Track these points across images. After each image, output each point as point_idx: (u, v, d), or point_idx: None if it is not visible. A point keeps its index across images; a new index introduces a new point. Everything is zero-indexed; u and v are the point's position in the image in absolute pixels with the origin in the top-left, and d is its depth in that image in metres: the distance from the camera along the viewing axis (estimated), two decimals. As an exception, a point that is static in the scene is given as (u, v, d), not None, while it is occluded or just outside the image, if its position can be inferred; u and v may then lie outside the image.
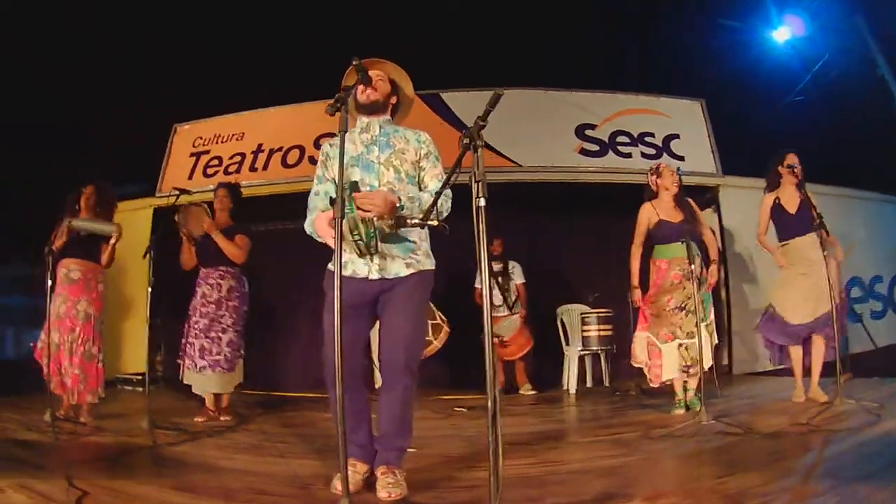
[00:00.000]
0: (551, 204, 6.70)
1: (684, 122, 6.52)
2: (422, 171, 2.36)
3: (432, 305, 5.68)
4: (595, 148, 6.42)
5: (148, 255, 3.77)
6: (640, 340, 4.10)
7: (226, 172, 6.71)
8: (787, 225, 4.14)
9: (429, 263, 2.32)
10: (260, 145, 6.84)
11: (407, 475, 2.20)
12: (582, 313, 5.82)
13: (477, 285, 5.99)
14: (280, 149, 6.85)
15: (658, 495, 2.07)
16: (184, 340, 4.12)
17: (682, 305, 3.91)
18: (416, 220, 2.09)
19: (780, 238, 4.22)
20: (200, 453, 3.04)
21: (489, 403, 1.57)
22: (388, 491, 2.07)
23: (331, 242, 2.01)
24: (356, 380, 2.28)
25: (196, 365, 3.98)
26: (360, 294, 2.20)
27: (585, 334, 5.73)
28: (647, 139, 6.43)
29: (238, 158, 6.84)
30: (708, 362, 3.88)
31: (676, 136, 6.43)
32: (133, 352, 6.26)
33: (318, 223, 2.18)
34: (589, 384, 5.94)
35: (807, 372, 4.07)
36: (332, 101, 1.95)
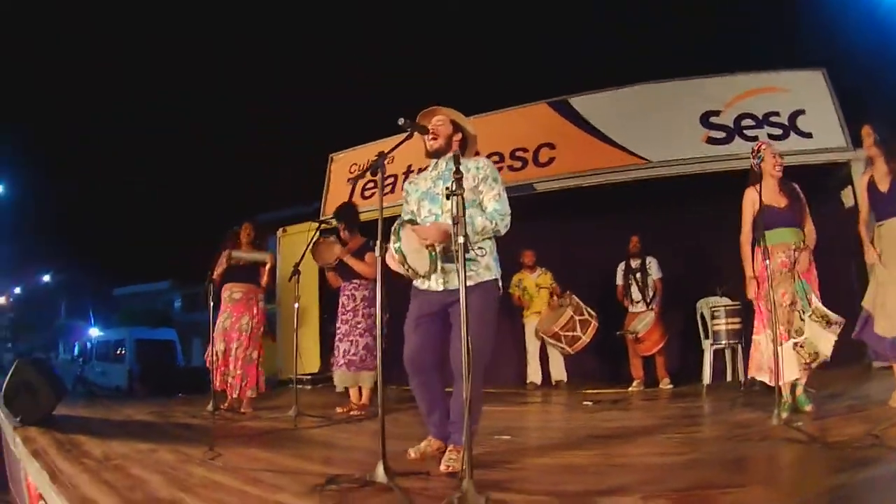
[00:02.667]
0: (684, 196, 6.82)
1: (808, 95, 6.31)
2: (480, 194, 2.86)
3: (580, 302, 6.38)
4: (721, 135, 6.42)
5: (294, 278, 4.84)
6: (760, 344, 3.83)
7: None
8: (879, 204, 3.78)
9: (488, 275, 2.81)
10: (409, 166, 7.79)
11: (477, 457, 2.63)
12: (711, 306, 5.95)
13: (619, 282, 6.49)
14: (427, 167, 7.80)
15: (654, 495, 2.20)
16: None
17: (794, 300, 3.75)
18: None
19: (876, 219, 3.84)
20: (329, 434, 3.98)
21: (464, 392, 2.11)
22: (448, 464, 2.66)
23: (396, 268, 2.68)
24: (428, 373, 2.85)
25: (337, 363, 4.99)
26: (430, 304, 2.82)
27: (715, 328, 5.84)
28: (773, 119, 6.30)
29: (391, 180, 7.79)
30: (825, 353, 3.67)
31: (802, 112, 6.25)
32: (304, 356, 7.63)
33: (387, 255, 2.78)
34: (729, 378, 6.02)
35: None
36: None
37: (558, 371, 6.89)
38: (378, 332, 2.55)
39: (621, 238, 6.56)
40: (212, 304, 5.16)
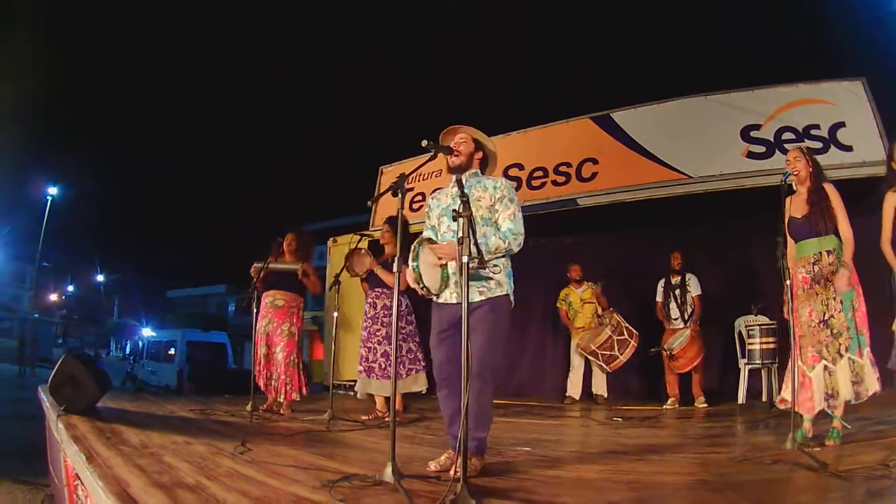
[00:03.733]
0: (725, 212, 6.83)
1: (848, 106, 6.22)
2: (496, 213, 3.02)
3: (620, 320, 6.53)
4: (761, 150, 6.39)
5: (335, 287, 5.10)
6: (791, 371, 3.54)
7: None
8: None
9: (500, 290, 2.97)
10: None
11: (492, 465, 2.98)
12: (746, 325, 5.94)
13: (658, 299, 6.56)
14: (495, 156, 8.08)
15: None
16: None
17: (826, 318, 3.53)
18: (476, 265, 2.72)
19: None
20: (358, 437, 4.21)
21: (462, 402, 2.27)
22: (458, 469, 2.87)
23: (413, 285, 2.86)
24: (452, 385, 2.98)
25: (359, 370, 5.20)
26: (449, 317, 2.97)
27: (750, 347, 5.84)
28: (813, 132, 6.23)
29: (495, 165, 8.06)
30: (870, 388, 3.43)
31: (842, 125, 6.17)
32: (347, 363, 7.94)
33: (406, 272, 2.95)
34: (765, 398, 5.94)
35: None
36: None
37: (599, 386, 6.98)
38: (394, 341, 2.74)
39: (664, 253, 6.64)
40: (255, 310, 5.49)
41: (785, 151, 6.13)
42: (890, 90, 6.41)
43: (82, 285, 45.42)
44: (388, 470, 2.44)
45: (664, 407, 6.16)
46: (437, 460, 2.98)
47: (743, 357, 6.01)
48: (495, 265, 2.95)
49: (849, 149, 6.05)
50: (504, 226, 2.97)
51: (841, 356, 3.47)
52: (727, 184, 6.47)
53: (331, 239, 9.49)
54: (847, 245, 3.55)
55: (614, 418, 5.40)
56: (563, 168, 7.47)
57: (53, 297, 38.37)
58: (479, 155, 3.21)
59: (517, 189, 7.59)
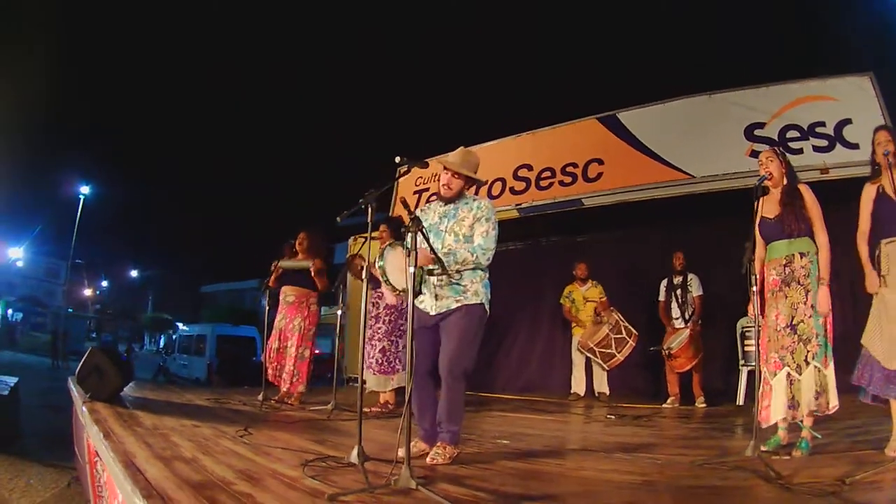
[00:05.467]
0: (728, 211, 7.04)
1: (854, 103, 6.28)
2: (473, 230, 3.44)
3: (620, 318, 6.86)
4: (765, 148, 6.53)
5: (339, 286, 5.58)
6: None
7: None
8: (891, 218, 3.40)
9: (475, 299, 3.39)
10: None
11: (465, 455, 3.39)
12: (743, 327, 6.19)
13: (660, 298, 6.86)
14: (486, 182, 8.45)
15: None
16: None
17: (793, 323, 3.53)
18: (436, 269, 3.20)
19: (882, 234, 3.44)
20: (354, 426, 4.60)
21: (406, 392, 2.71)
22: (433, 457, 3.26)
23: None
24: (423, 378, 3.41)
25: (367, 366, 5.67)
26: (424, 321, 3.41)
27: (746, 349, 6.10)
28: (818, 129, 6.38)
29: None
30: (831, 401, 3.44)
31: (848, 122, 6.23)
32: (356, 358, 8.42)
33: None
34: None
35: None
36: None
37: (601, 383, 7.31)
38: (362, 334, 3.20)
39: (668, 253, 6.90)
40: (268, 308, 6.08)
41: (790, 150, 6.28)
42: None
43: (116, 281, 47.51)
44: (355, 453, 2.87)
45: (664, 406, 6.44)
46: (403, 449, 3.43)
47: (742, 358, 6.26)
48: (471, 275, 3.39)
49: (855, 146, 6.06)
50: (476, 241, 3.40)
51: (807, 364, 3.46)
52: (730, 183, 6.62)
53: (352, 237, 9.96)
54: (822, 251, 3.57)
55: (607, 416, 5.73)
56: (569, 168, 7.79)
57: (87, 292, 40.17)
58: (469, 187, 3.65)
59: (525, 190, 8.00)
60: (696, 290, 6.65)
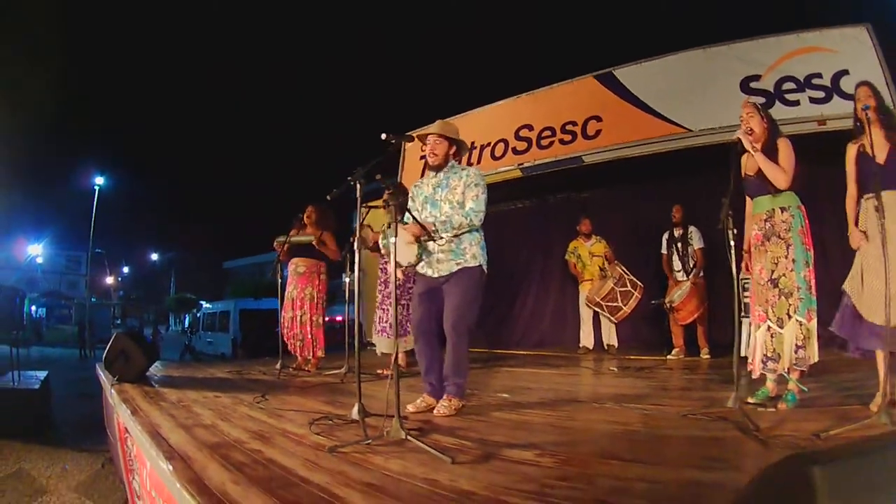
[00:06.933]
0: (726, 164, 7.22)
1: (852, 54, 6.34)
2: (464, 196, 3.76)
3: (624, 272, 7.18)
4: (761, 101, 6.36)
5: (347, 255, 5.94)
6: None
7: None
8: (872, 176, 3.34)
9: (473, 262, 3.74)
10: (472, 143, 8.67)
11: (467, 407, 3.76)
12: (742, 279, 6.40)
13: (663, 251, 7.11)
14: (489, 144, 8.77)
15: (550, 454, 2.66)
16: None
17: (774, 277, 3.67)
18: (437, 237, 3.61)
19: (863, 191, 3.48)
20: (365, 388, 4.96)
21: (394, 352, 3.04)
22: (439, 410, 3.64)
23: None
24: (429, 337, 3.80)
25: (380, 330, 6.07)
26: (426, 285, 3.80)
27: (745, 300, 6.29)
28: (815, 81, 6.46)
29: (467, 149, 8.66)
30: (811, 356, 3.56)
31: (846, 73, 6.28)
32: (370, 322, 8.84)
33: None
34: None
35: None
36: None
37: (610, 336, 7.65)
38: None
39: (669, 207, 7.11)
40: (279, 280, 6.47)
41: (785, 102, 6.51)
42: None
43: (137, 266, 48.74)
44: (355, 409, 3.22)
45: (668, 357, 6.73)
46: (414, 403, 3.81)
47: (742, 310, 6.47)
48: (465, 239, 3.75)
49: (852, 98, 6.11)
50: (468, 205, 3.73)
51: (789, 317, 3.59)
52: (727, 136, 6.53)
53: (364, 206, 10.30)
54: (774, 180, 3.70)
55: (610, 368, 6.07)
56: (569, 127, 8.00)
57: (110, 280, 41.30)
58: (453, 150, 3.95)
59: (527, 150, 8.24)
60: (696, 242, 6.84)
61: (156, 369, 6.31)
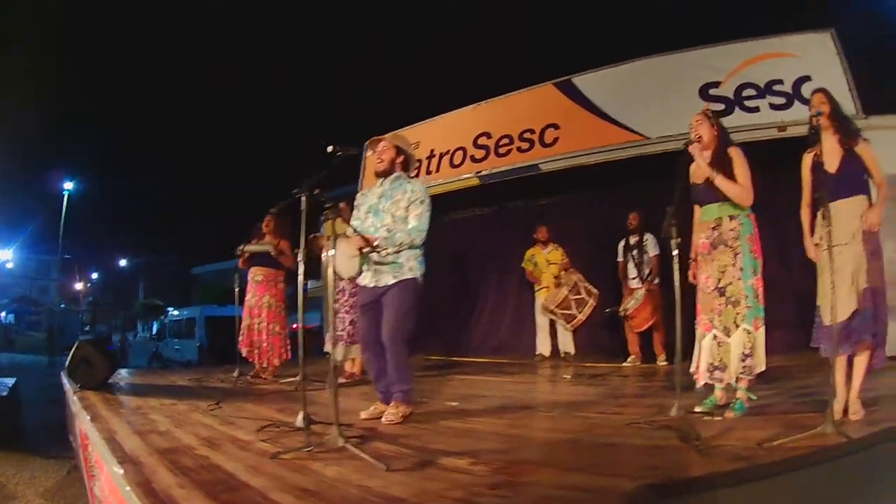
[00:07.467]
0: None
1: (814, 60, 6.36)
2: (408, 212, 3.88)
3: (580, 280, 7.24)
4: (720, 107, 6.65)
5: (296, 264, 6.08)
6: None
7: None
8: (823, 186, 3.34)
9: (410, 274, 3.86)
10: (432, 151, 8.89)
11: (415, 415, 3.90)
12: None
13: (619, 259, 7.31)
14: (447, 152, 8.90)
15: (485, 462, 2.74)
16: None
17: (721, 286, 3.66)
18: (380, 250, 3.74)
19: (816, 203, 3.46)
20: (318, 396, 5.11)
21: (340, 360, 3.24)
22: (386, 417, 3.78)
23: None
24: (374, 347, 3.92)
25: (337, 337, 6.20)
26: (368, 296, 3.94)
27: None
28: (776, 87, 6.53)
29: (417, 164, 8.86)
30: (758, 365, 3.58)
31: (808, 79, 6.27)
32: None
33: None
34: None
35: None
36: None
37: (566, 343, 7.76)
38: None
39: (625, 214, 7.27)
40: (237, 288, 6.67)
41: (745, 109, 6.59)
42: (861, 42, 6.62)
43: (106, 272, 48.22)
44: (300, 417, 3.38)
45: (623, 364, 6.89)
46: (368, 410, 3.97)
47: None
48: (406, 254, 3.87)
49: None
50: (411, 224, 3.87)
51: (737, 326, 3.58)
52: (682, 143, 6.94)
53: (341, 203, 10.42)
54: (738, 200, 3.66)
55: (564, 376, 6.22)
56: (527, 135, 8.17)
57: (79, 286, 40.86)
58: (401, 159, 4.08)
59: (485, 158, 8.42)
60: (652, 249, 6.99)
61: (120, 377, 6.41)
